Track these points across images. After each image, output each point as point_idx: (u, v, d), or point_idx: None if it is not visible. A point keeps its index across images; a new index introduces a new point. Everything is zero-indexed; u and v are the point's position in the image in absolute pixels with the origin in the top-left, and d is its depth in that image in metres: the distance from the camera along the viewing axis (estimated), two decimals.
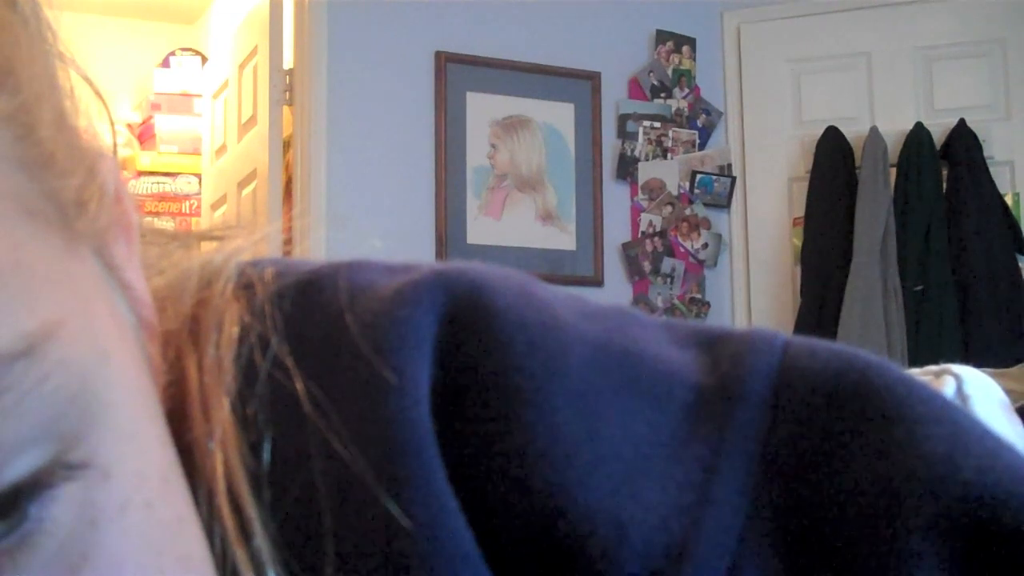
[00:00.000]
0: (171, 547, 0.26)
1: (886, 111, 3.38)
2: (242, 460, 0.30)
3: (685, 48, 3.59)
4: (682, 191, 3.52)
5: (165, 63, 4.39)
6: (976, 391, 0.72)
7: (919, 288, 3.13)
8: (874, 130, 3.29)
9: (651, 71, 3.53)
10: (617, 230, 3.43)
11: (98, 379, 0.25)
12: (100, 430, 0.25)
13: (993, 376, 0.76)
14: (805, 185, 3.39)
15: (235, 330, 0.32)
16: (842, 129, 3.34)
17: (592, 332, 0.32)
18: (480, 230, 3.23)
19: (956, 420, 0.30)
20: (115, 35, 4.41)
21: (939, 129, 3.26)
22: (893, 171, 3.26)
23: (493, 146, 3.28)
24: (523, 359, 0.31)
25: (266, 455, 0.30)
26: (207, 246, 0.36)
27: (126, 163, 4.19)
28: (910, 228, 3.17)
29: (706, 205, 3.55)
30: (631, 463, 0.30)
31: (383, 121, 3.14)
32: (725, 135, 3.61)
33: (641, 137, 3.49)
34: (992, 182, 3.18)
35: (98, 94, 0.30)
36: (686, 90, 3.58)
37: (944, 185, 3.22)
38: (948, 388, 0.72)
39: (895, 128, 3.29)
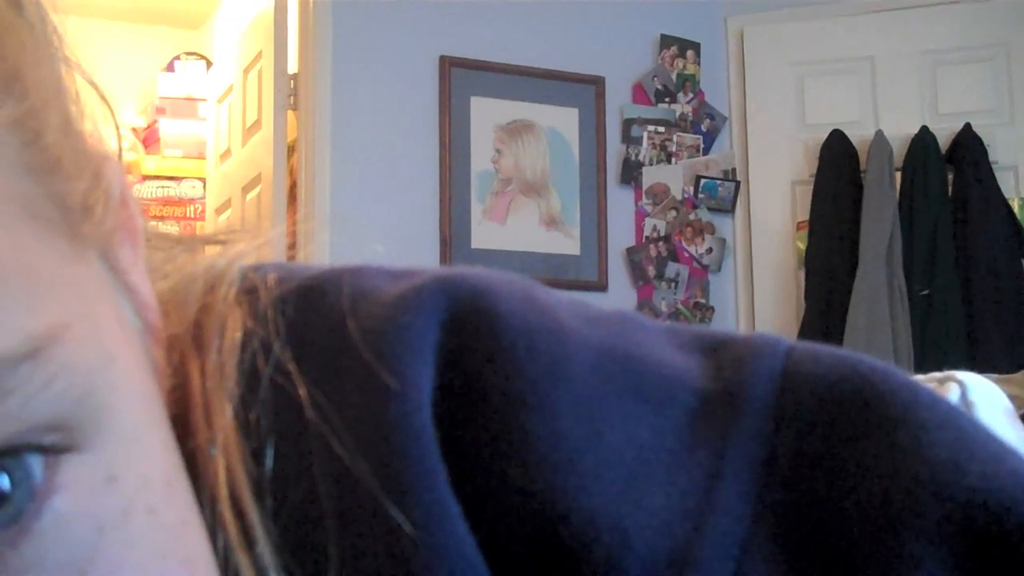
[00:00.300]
0: (175, 551, 0.26)
1: (890, 115, 3.37)
2: (244, 465, 0.30)
3: (689, 53, 3.59)
4: (686, 196, 3.52)
5: (170, 67, 4.40)
6: (980, 398, 0.72)
7: (925, 292, 3.12)
8: (879, 134, 3.28)
9: (655, 76, 3.53)
10: (621, 235, 3.43)
11: (103, 383, 0.25)
12: (104, 434, 0.25)
13: (997, 382, 0.76)
14: (809, 189, 3.39)
15: (238, 335, 0.32)
16: (846, 133, 3.34)
17: (595, 337, 0.32)
18: (484, 235, 3.23)
19: (961, 425, 0.30)
20: (120, 39, 4.42)
21: (943, 133, 3.26)
22: (898, 175, 3.26)
23: (497, 151, 3.28)
24: (525, 364, 0.31)
25: (268, 460, 0.30)
26: (211, 250, 0.36)
27: (131, 167, 4.20)
28: (916, 232, 3.16)
29: (710, 210, 3.55)
30: (634, 468, 0.30)
31: (387, 125, 3.15)
32: (729, 140, 3.61)
33: (645, 142, 3.49)
34: (997, 187, 3.17)
35: (103, 98, 0.30)
36: (690, 95, 3.58)
37: (950, 189, 3.21)
38: (952, 395, 0.72)
39: (899, 132, 3.29)
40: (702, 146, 3.57)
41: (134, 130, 4.32)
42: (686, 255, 3.51)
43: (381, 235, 2.99)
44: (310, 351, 0.32)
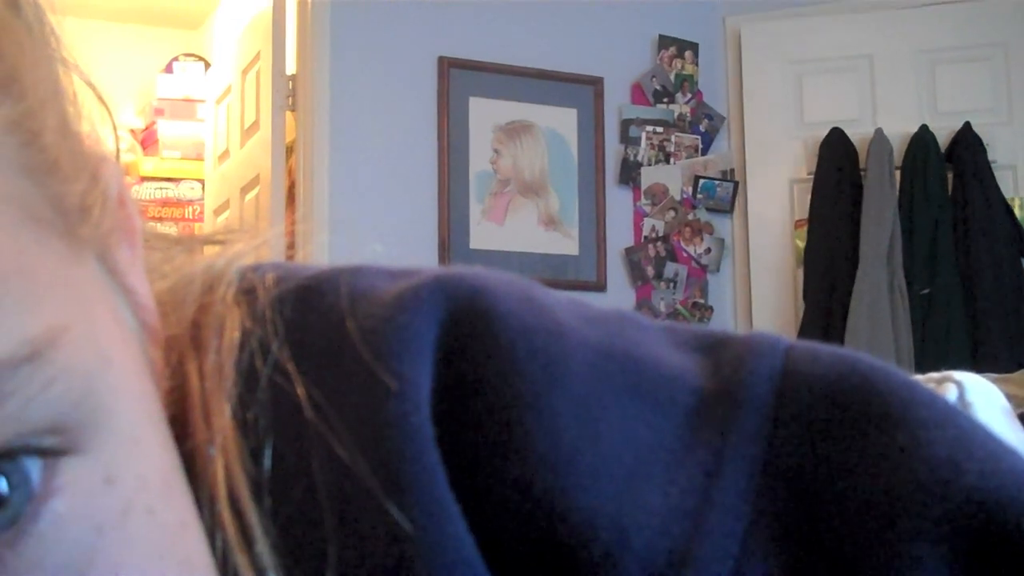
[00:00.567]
0: (173, 552, 0.26)
1: (888, 114, 3.37)
2: (243, 465, 0.30)
3: (688, 53, 3.59)
4: (685, 196, 3.52)
5: (168, 68, 4.40)
6: (978, 397, 0.72)
7: (925, 292, 3.12)
8: (879, 132, 3.28)
9: (654, 76, 3.53)
10: (620, 235, 3.43)
11: (101, 385, 0.25)
12: (103, 435, 0.25)
13: (995, 382, 0.76)
14: (807, 187, 3.38)
15: (236, 335, 0.32)
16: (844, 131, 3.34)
17: (594, 337, 0.32)
18: (483, 235, 3.23)
19: (959, 424, 0.30)
20: (118, 40, 4.42)
21: (941, 133, 3.26)
22: (896, 174, 3.26)
23: (496, 151, 3.28)
24: (524, 364, 0.31)
25: (267, 460, 0.30)
26: (209, 250, 0.36)
27: (129, 168, 4.20)
28: (916, 231, 3.16)
29: (709, 210, 3.55)
30: (633, 468, 0.30)
31: (386, 126, 3.15)
32: (728, 140, 3.61)
33: (644, 142, 3.49)
34: (997, 186, 3.18)
35: (101, 99, 0.30)
36: (688, 95, 3.58)
37: (949, 188, 3.21)
38: (950, 394, 0.72)
39: (896, 131, 3.29)
40: (700, 146, 3.58)
41: (132, 131, 4.32)
42: (684, 255, 3.51)
43: (379, 236, 2.99)
44: (309, 351, 0.32)
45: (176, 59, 4.44)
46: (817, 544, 0.29)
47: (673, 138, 3.54)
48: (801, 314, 3.32)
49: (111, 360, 0.26)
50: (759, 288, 3.48)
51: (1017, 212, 3.21)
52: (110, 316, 0.27)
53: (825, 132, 3.35)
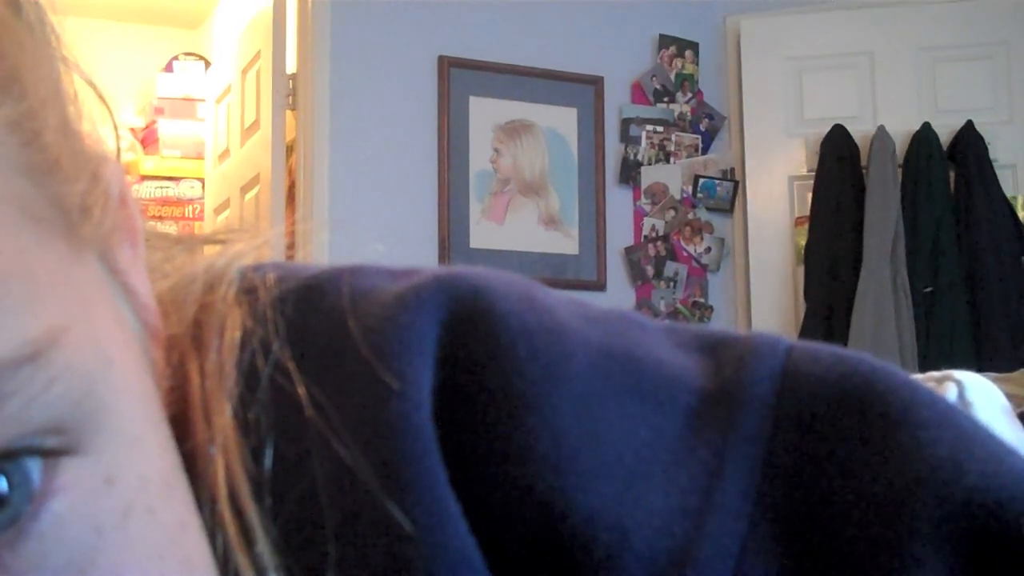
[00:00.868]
0: (173, 552, 0.26)
1: (888, 111, 3.37)
2: (244, 465, 0.30)
3: (688, 53, 3.59)
4: (685, 195, 3.52)
5: (168, 67, 4.40)
6: (978, 397, 0.72)
7: (929, 290, 3.12)
8: (881, 129, 3.27)
9: (654, 75, 3.53)
10: (620, 234, 3.43)
11: (102, 385, 0.25)
12: (104, 435, 0.25)
13: (995, 381, 0.76)
14: (806, 185, 3.38)
15: (237, 335, 0.32)
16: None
17: (594, 336, 0.32)
18: (483, 234, 3.23)
19: (960, 424, 0.30)
20: (118, 39, 4.41)
21: (942, 131, 3.25)
22: (898, 172, 3.25)
23: (496, 150, 3.28)
24: (525, 364, 0.31)
25: (268, 460, 0.30)
26: (210, 250, 0.36)
27: (129, 167, 4.20)
28: (919, 229, 3.16)
29: (709, 209, 3.55)
30: (634, 468, 0.30)
31: (386, 125, 3.15)
32: (728, 139, 3.61)
33: (644, 141, 3.49)
34: (998, 184, 3.18)
35: (102, 99, 0.30)
36: (689, 94, 3.58)
37: (951, 187, 3.21)
38: (950, 394, 0.72)
39: (895, 129, 3.28)
40: (700, 146, 3.58)
41: (132, 130, 4.32)
42: (685, 254, 3.51)
43: (379, 235, 2.99)
44: (310, 350, 0.32)
45: (176, 58, 4.44)
46: (818, 544, 0.29)
47: (673, 137, 3.53)
48: (801, 313, 3.31)
49: (112, 360, 0.26)
50: (759, 287, 3.48)
51: (1019, 211, 3.21)
52: (111, 316, 0.27)
53: (825, 129, 3.34)
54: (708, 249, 3.54)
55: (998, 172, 3.20)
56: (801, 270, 3.35)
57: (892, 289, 3.11)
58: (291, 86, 3.19)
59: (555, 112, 3.36)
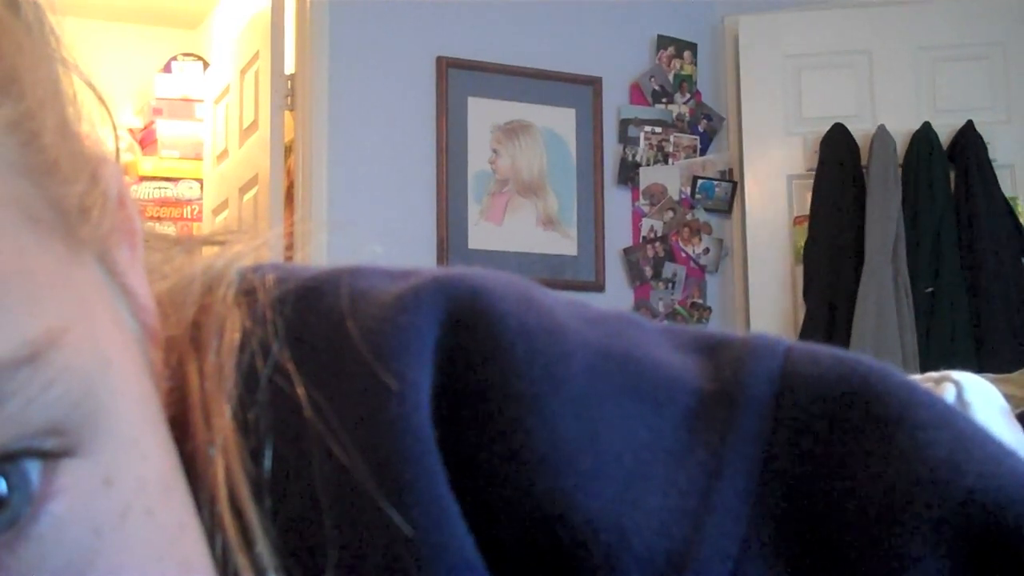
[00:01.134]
0: (172, 553, 0.26)
1: (886, 110, 3.36)
2: (243, 466, 0.30)
3: (686, 53, 3.59)
4: (683, 196, 3.52)
5: (167, 68, 4.40)
6: (976, 397, 0.72)
7: (929, 290, 3.12)
8: (882, 128, 3.27)
9: (652, 76, 3.53)
10: (618, 235, 3.43)
11: (101, 386, 0.25)
12: (102, 437, 0.25)
13: (994, 382, 0.76)
14: (804, 183, 3.38)
15: (236, 336, 0.32)
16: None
17: (593, 337, 0.32)
18: (481, 235, 3.23)
19: (958, 425, 0.30)
20: (117, 40, 4.41)
21: (939, 131, 3.25)
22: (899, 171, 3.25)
23: (494, 151, 3.28)
24: (524, 365, 0.31)
25: (267, 461, 0.30)
26: (209, 251, 0.36)
27: (127, 168, 4.20)
28: (920, 229, 3.15)
29: (707, 210, 3.55)
30: (632, 468, 0.30)
31: (384, 126, 3.15)
32: (727, 140, 3.61)
33: (642, 142, 3.49)
34: (998, 184, 3.18)
35: (101, 100, 0.30)
36: (687, 95, 3.58)
37: (952, 186, 3.21)
38: (948, 394, 0.72)
39: (894, 128, 3.28)
40: (699, 147, 3.58)
41: (131, 131, 4.32)
42: (683, 255, 3.51)
43: (378, 235, 2.98)
44: (309, 351, 0.32)
45: (175, 59, 4.44)
46: (816, 546, 0.29)
47: (672, 138, 3.54)
48: (800, 312, 3.31)
49: (111, 361, 0.26)
50: (757, 287, 3.48)
51: (1018, 212, 3.21)
52: (110, 317, 0.27)
53: (823, 127, 3.34)
54: (706, 250, 3.54)
55: (996, 172, 3.21)
56: (799, 269, 3.35)
57: (893, 289, 3.11)
58: (289, 87, 3.19)
59: (553, 113, 3.36)
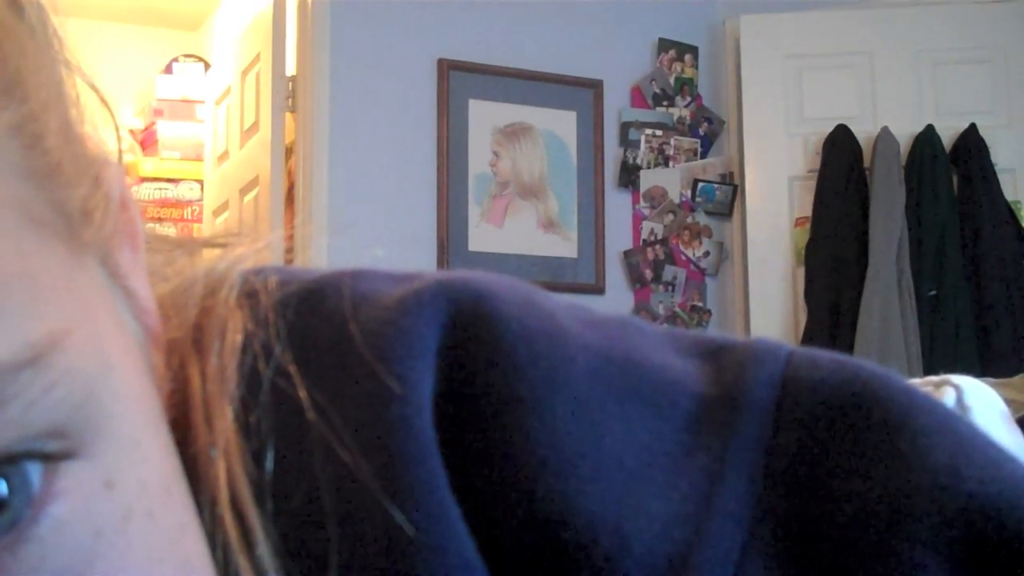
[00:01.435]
0: (173, 555, 0.26)
1: (887, 113, 3.36)
2: (245, 468, 0.30)
3: (687, 57, 3.59)
4: (684, 199, 3.53)
5: (168, 69, 4.40)
6: (976, 402, 0.72)
7: (933, 293, 3.12)
8: (885, 130, 3.27)
9: (653, 79, 3.53)
10: (618, 238, 3.43)
11: (103, 388, 0.25)
12: (104, 439, 0.25)
13: (994, 386, 0.76)
14: (806, 185, 3.37)
15: (238, 338, 0.32)
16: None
17: (595, 341, 0.32)
18: (482, 238, 3.23)
19: (959, 431, 0.30)
20: (118, 41, 4.42)
21: (941, 134, 3.25)
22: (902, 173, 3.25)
23: (495, 153, 3.28)
24: (526, 368, 0.31)
25: (269, 463, 0.30)
26: (210, 253, 0.36)
27: (128, 169, 4.19)
28: (924, 232, 3.15)
29: (708, 213, 3.55)
30: (633, 472, 0.30)
31: (385, 128, 3.15)
32: (727, 143, 3.61)
33: (643, 145, 3.50)
34: (1000, 187, 3.18)
35: (104, 102, 0.30)
36: (688, 99, 3.58)
37: (955, 189, 3.21)
38: (948, 398, 0.72)
39: (895, 130, 3.28)
40: (699, 150, 3.58)
41: (132, 132, 4.32)
42: (683, 258, 3.51)
43: (378, 238, 2.99)
44: (311, 354, 0.32)
45: (176, 60, 4.44)
46: (818, 550, 0.29)
47: (672, 141, 3.54)
48: (801, 314, 3.31)
49: (112, 364, 0.26)
50: (757, 290, 3.47)
51: (1020, 216, 3.21)
52: (112, 320, 0.27)
53: (824, 128, 3.33)
54: (707, 253, 3.54)
55: (998, 176, 3.21)
56: (800, 271, 3.34)
57: (897, 292, 3.11)
58: (291, 88, 3.19)
59: (554, 115, 3.36)
